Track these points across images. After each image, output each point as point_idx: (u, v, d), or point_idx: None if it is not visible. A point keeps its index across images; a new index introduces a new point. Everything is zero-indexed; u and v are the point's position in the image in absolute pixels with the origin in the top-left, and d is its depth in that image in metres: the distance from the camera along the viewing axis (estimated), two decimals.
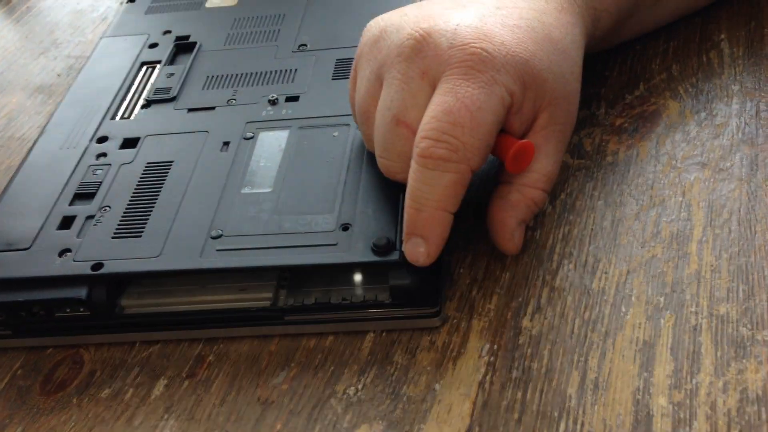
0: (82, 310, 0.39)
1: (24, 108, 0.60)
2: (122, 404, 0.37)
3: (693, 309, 0.37)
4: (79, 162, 0.46)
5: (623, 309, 0.38)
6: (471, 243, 0.42)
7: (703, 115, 0.47)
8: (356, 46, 0.52)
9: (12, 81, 0.63)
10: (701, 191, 0.43)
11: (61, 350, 0.40)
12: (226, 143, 0.46)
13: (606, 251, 0.41)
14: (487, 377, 0.36)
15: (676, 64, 0.51)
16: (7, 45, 0.68)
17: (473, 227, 0.43)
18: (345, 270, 0.39)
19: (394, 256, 0.37)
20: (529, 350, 0.37)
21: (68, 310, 0.39)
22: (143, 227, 0.41)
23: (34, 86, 0.62)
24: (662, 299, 0.38)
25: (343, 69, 0.50)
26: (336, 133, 0.45)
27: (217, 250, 0.39)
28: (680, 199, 0.42)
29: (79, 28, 0.68)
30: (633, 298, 0.38)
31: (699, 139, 0.46)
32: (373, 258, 0.37)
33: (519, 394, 0.35)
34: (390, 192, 0.41)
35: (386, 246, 0.37)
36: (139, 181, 0.44)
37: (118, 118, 0.50)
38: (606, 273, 0.40)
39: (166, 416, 0.37)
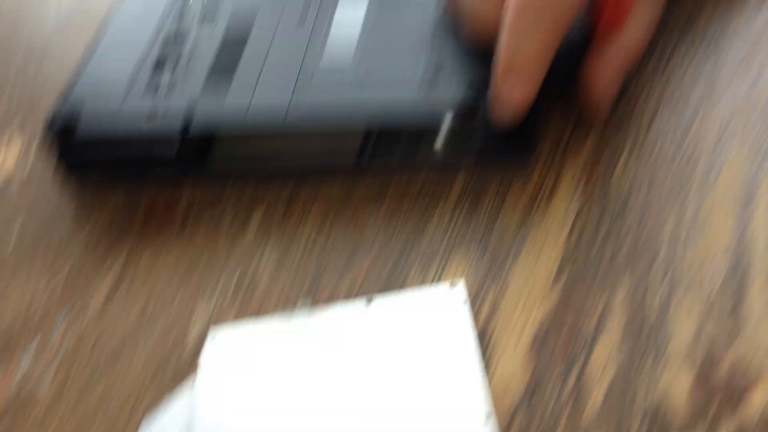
0: (170, 168, 0.40)
1: None
2: (221, 235, 0.39)
3: None
4: (163, 17, 0.46)
5: (724, 154, 0.38)
6: (565, 86, 0.42)
7: None
8: None
9: None
10: None
11: (159, 185, 0.42)
12: (303, 17, 0.45)
13: (706, 97, 0.40)
14: (580, 218, 0.37)
15: None
16: None
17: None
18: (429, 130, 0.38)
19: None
20: (624, 193, 0.37)
21: (163, 153, 0.40)
22: (231, 79, 0.41)
23: None
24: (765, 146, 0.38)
25: None
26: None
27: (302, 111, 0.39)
28: None
29: None
30: (735, 145, 0.38)
31: None
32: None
33: (612, 235, 0.36)
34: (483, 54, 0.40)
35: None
36: (218, 52, 0.43)
37: None
38: (706, 117, 0.39)
39: (263, 246, 0.38)
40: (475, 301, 0.34)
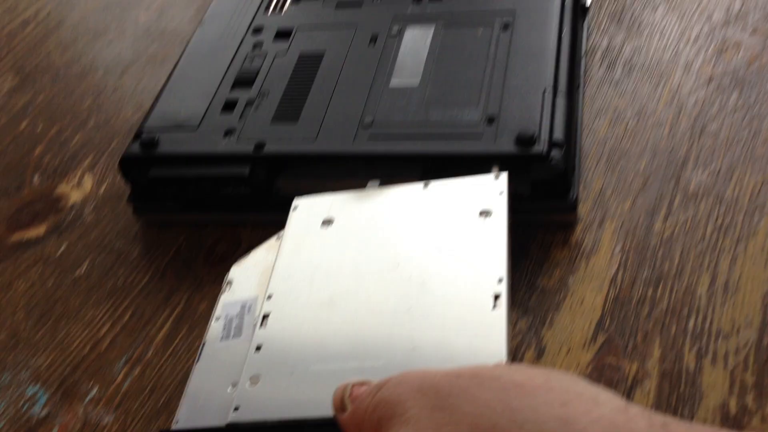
0: (243, 187, 0.42)
1: (173, 2, 0.63)
2: None
3: None
4: (237, 51, 0.49)
5: (756, 217, 0.39)
6: (604, 147, 0.44)
7: None
8: None
9: None
10: None
11: (220, 228, 0.44)
12: (374, 38, 0.48)
13: (742, 161, 0.41)
14: (619, 274, 0.38)
15: None
16: None
17: (607, 134, 0.44)
18: (488, 161, 0.40)
19: (538, 149, 0.39)
20: (661, 251, 0.38)
21: (231, 188, 0.42)
22: (299, 113, 0.44)
23: None
24: None
25: None
26: (480, 32, 0.46)
27: (369, 137, 0.41)
28: None
29: None
30: (766, 208, 0.39)
31: None
32: (517, 150, 0.39)
33: (650, 291, 0.37)
34: (534, 89, 0.42)
35: (531, 139, 0.39)
36: (294, 70, 0.47)
37: (270, 12, 0.52)
38: (741, 182, 0.40)
39: None
40: (514, 360, 0.35)
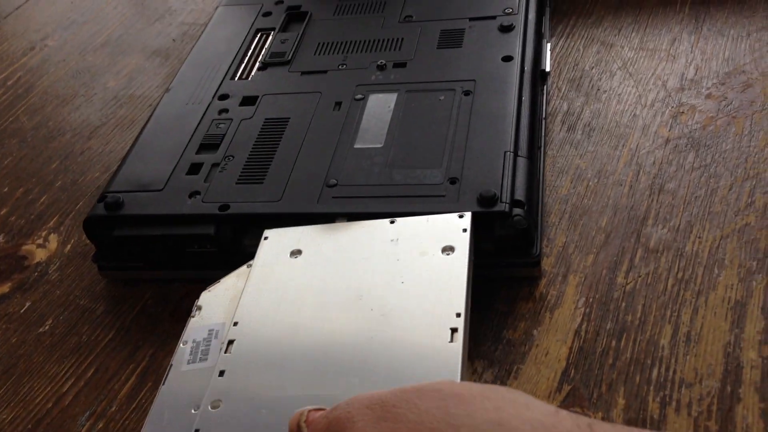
0: (209, 246, 0.42)
1: (143, 69, 0.64)
2: None
3: None
4: (203, 116, 0.50)
5: (716, 271, 0.40)
6: (566, 205, 0.45)
7: None
8: (460, 18, 0.54)
9: (130, 44, 0.67)
10: None
11: (187, 284, 0.44)
12: (338, 103, 0.49)
13: (701, 218, 0.42)
14: (583, 326, 0.38)
15: None
16: (124, 11, 0.72)
17: (569, 192, 0.45)
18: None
19: (501, 207, 0.40)
20: (623, 304, 0.39)
21: (197, 246, 0.42)
22: (264, 175, 0.44)
23: (151, 50, 0.66)
24: (755, 264, 0.40)
25: (447, 39, 0.53)
26: (442, 97, 0.48)
27: (333, 197, 0.42)
28: None
29: None
30: (726, 262, 0.40)
31: None
32: (480, 209, 0.40)
33: (613, 343, 0.37)
34: (495, 151, 0.43)
35: (492, 198, 0.40)
36: (259, 134, 0.47)
37: (237, 78, 0.54)
38: (700, 237, 0.42)
39: None
40: None
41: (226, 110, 0.50)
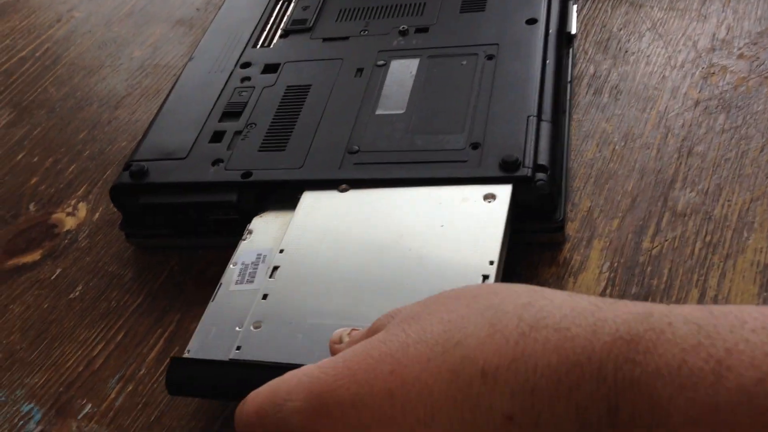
0: (232, 213, 0.42)
1: (167, 39, 0.64)
2: None
3: None
4: (225, 84, 0.50)
5: (745, 234, 0.39)
6: (591, 169, 0.44)
7: None
8: None
9: (155, 14, 0.67)
10: None
11: (211, 251, 0.44)
12: (360, 70, 0.49)
13: (730, 181, 0.42)
14: (608, 291, 0.38)
15: None
16: None
17: (594, 156, 0.45)
18: (475, 185, 0.41)
19: (523, 172, 0.39)
20: (649, 268, 0.39)
21: (220, 214, 0.42)
22: (286, 142, 0.44)
23: (176, 19, 0.66)
24: None
25: (470, 3, 0.53)
26: (465, 62, 0.47)
27: (355, 164, 0.42)
28: None
29: None
30: (756, 225, 0.39)
31: None
32: (502, 173, 0.39)
33: None
34: (517, 115, 0.43)
35: (515, 163, 0.40)
36: (281, 102, 0.47)
37: (258, 46, 0.53)
38: (729, 201, 0.41)
39: None
40: None
41: (248, 78, 0.50)
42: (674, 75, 0.49)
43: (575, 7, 0.53)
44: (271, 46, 0.53)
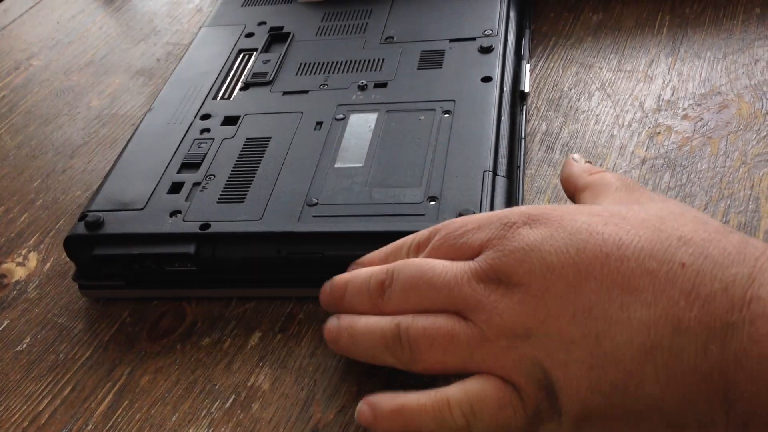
0: (189, 265, 0.42)
1: (126, 89, 0.64)
2: (221, 352, 0.41)
3: None
4: (185, 135, 0.50)
5: None
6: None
7: None
8: (441, 40, 0.55)
9: (115, 64, 0.68)
10: None
11: (165, 303, 0.44)
12: (319, 123, 0.49)
13: None
14: None
15: (748, 67, 0.53)
16: (109, 31, 0.73)
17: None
18: None
19: None
20: None
21: (177, 265, 0.42)
22: (245, 194, 0.44)
23: (135, 69, 0.66)
24: None
25: (427, 60, 0.54)
26: (422, 117, 0.48)
27: (314, 216, 0.42)
28: (749, 192, 0.45)
29: (176, 17, 0.73)
30: None
31: None
32: None
33: None
34: (473, 169, 0.44)
35: None
36: (241, 154, 0.48)
37: (218, 98, 0.54)
38: None
39: (260, 364, 0.40)
40: None
41: (207, 129, 0.50)
42: (622, 134, 0.50)
43: (528, 66, 0.55)
44: (231, 98, 0.54)
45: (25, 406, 0.39)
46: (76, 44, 0.71)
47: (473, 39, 0.55)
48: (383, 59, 0.55)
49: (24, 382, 0.41)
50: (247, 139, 0.49)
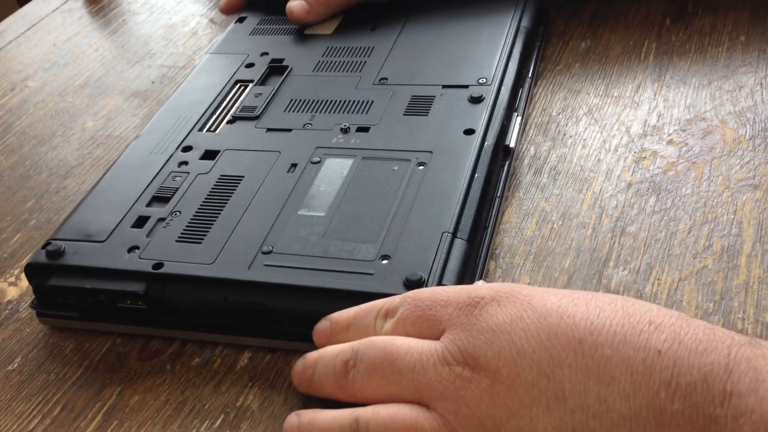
0: (139, 303, 0.42)
1: (121, 110, 0.65)
2: (211, 372, 0.41)
3: (740, 315, 0.40)
4: (162, 167, 0.50)
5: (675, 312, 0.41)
6: (531, 246, 0.46)
7: (757, 141, 0.50)
8: (434, 85, 0.54)
9: (110, 85, 0.68)
10: (752, 211, 0.45)
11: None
12: (294, 165, 0.49)
13: (660, 260, 0.44)
14: None
15: (733, 93, 0.54)
16: (105, 53, 0.73)
17: (534, 234, 0.46)
18: (377, 297, 0.39)
19: None
20: None
21: (128, 302, 0.42)
22: (204, 235, 0.44)
23: (130, 91, 0.67)
24: (711, 305, 0.41)
25: (416, 106, 0.53)
26: (396, 167, 0.47)
27: (265, 265, 0.42)
28: (732, 217, 0.45)
29: (171, 40, 0.74)
30: (684, 303, 0.41)
31: (753, 163, 0.48)
32: (402, 292, 0.38)
33: None
34: (433, 230, 0.42)
35: (418, 281, 0.39)
36: (211, 191, 0.47)
37: (204, 130, 0.54)
38: (659, 279, 0.43)
39: (250, 384, 0.40)
40: None
41: (185, 162, 0.50)
42: (608, 158, 0.51)
43: (519, 119, 0.53)
44: (217, 131, 0.54)
45: (16, 425, 0.40)
46: (72, 66, 0.72)
47: (466, 87, 0.54)
48: (372, 101, 0.54)
49: (14, 401, 0.41)
50: (221, 176, 0.48)
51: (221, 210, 0.46)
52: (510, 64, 0.56)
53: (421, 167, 0.47)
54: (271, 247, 0.43)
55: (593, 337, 0.29)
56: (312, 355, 0.38)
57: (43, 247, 0.44)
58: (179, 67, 0.69)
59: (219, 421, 0.39)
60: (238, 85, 0.59)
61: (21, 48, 0.77)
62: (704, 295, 0.41)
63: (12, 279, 0.49)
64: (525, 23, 0.61)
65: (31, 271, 0.44)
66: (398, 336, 0.35)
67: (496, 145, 0.49)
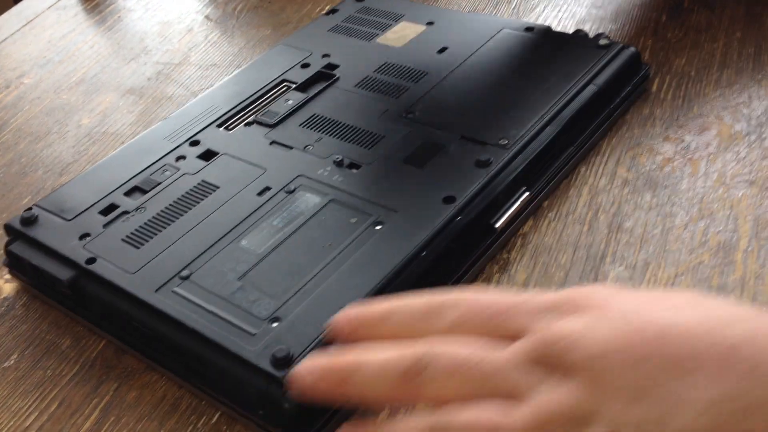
0: (65, 290, 0.43)
1: (116, 107, 0.65)
2: None
3: None
4: (161, 158, 0.49)
5: None
6: (527, 242, 0.46)
7: (753, 137, 0.50)
8: (453, 134, 0.48)
9: (105, 82, 0.68)
10: (748, 206, 0.46)
11: None
12: (267, 189, 0.46)
13: (656, 256, 0.44)
14: None
15: (728, 89, 0.54)
16: (100, 50, 0.73)
17: (530, 231, 0.46)
18: (242, 363, 0.37)
19: (280, 373, 0.35)
20: None
21: (61, 288, 0.43)
22: (147, 241, 0.43)
23: (126, 88, 0.67)
24: None
25: (420, 152, 0.48)
26: (354, 220, 0.43)
27: (172, 291, 0.40)
28: (728, 212, 0.45)
29: (167, 37, 0.74)
30: None
31: (748, 159, 0.48)
32: (261, 363, 0.36)
33: None
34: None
35: (284, 359, 0.36)
36: (182, 195, 0.46)
37: (222, 127, 0.52)
38: (655, 275, 0.43)
39: None
40: None
41: (183, 158, 0.49)
42: (605, 154, 0.51)
43: (526, 195, 0.46)
44: (232, 131, 0.52)
45: (12, 422, 0.40)
46: (67, 63, 0.72)
47: (483, 144, 0.47)
48: (384, 137, 0.49)
49: (11, 398, 0.41)
50: (201, 181, 0.47)
51: (177, 218, 0.44)
52: (548, 127, 0.48)
53: (378, 227, 0.42)
54: (189, 273, 0.41)
55: (676, 331, 0.29)
56: (343, 356, 0.32)
57: (26, 210, 0.46)
58: (175, 64, 0.69)
59: (216, 416, 0.39)
60: (283, 84, 0.56)
61: (16, 45, 0.76)
62: (700, 291, 0.41)
63: (7, 276, 0.49)
64: (600, 80, 0.52)
65: (6, 229, 0.46)
66: (462, 336, 0.32)
67: (474, 221, 0.43)
